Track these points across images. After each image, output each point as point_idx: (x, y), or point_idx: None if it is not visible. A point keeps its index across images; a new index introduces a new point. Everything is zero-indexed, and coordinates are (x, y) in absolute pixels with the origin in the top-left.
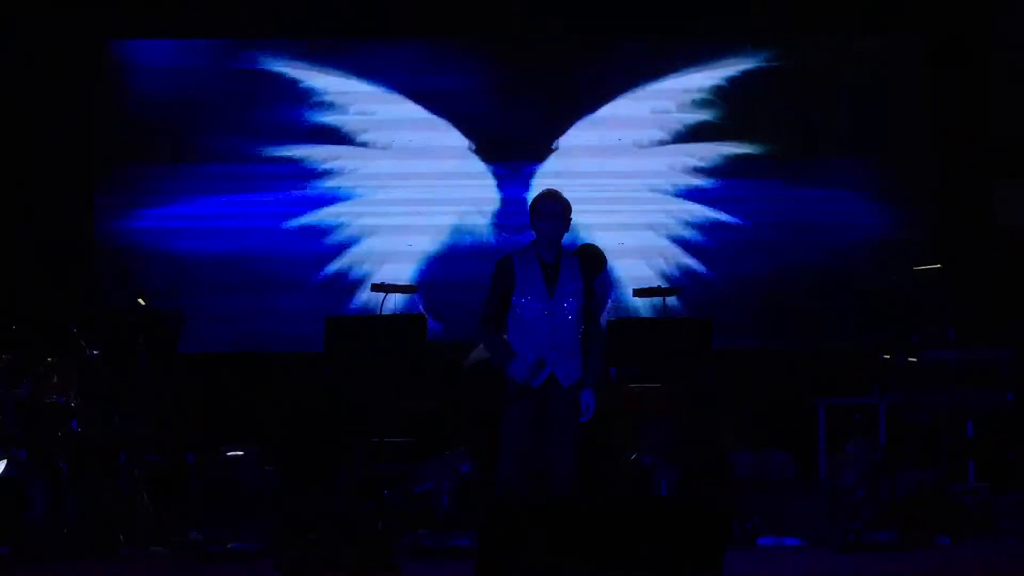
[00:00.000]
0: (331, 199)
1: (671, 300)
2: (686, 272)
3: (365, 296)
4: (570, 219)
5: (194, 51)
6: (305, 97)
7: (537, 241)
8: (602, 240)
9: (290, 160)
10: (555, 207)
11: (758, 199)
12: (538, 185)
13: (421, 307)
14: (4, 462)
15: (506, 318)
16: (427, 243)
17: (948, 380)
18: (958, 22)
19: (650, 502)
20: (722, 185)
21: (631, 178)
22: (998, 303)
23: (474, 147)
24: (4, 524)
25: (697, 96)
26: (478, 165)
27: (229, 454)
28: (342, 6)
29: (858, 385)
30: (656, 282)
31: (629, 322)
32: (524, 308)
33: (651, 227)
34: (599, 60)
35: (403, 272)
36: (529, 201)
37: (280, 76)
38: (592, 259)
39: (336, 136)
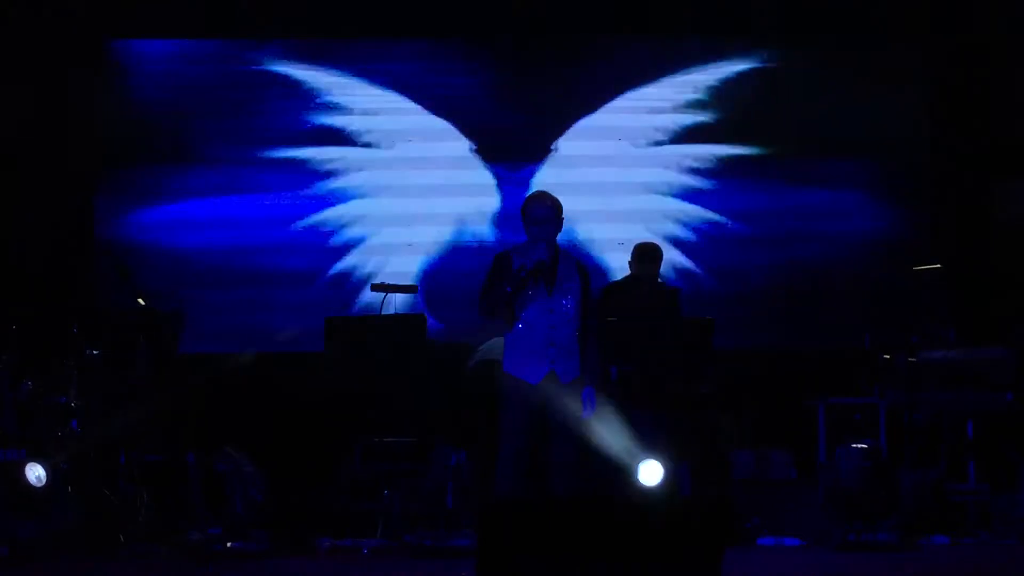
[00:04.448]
0: (330, 200)
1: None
2: (687, 271)
3: (365, 296)
4: (562, 219)
5: (194, 51)
6: (305, 97)
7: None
8: (600, 240)
9: (290, 160)
10: (541, 211)
11: (759, 199)
12: (536, 186)
13: (422, 307)
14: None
15: None
16: (428, 244)
17: (948, 380)
18: (958, 23)
19: (650, 502)
20: (723, 186)
21: (630, 179)
22: (998, 303)
23: (475, 148)
24: (4, 524)
25: (698, 97)
26: (479, 166)
27: (228, 454)
28: (343, 6)
29: (858, 385)
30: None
31: (629, 322)
32: (522, 306)
33: (650, 227)
34: (598, 61)
35: (403, 272)
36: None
37: (280, 76)
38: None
39: (336, 137)
